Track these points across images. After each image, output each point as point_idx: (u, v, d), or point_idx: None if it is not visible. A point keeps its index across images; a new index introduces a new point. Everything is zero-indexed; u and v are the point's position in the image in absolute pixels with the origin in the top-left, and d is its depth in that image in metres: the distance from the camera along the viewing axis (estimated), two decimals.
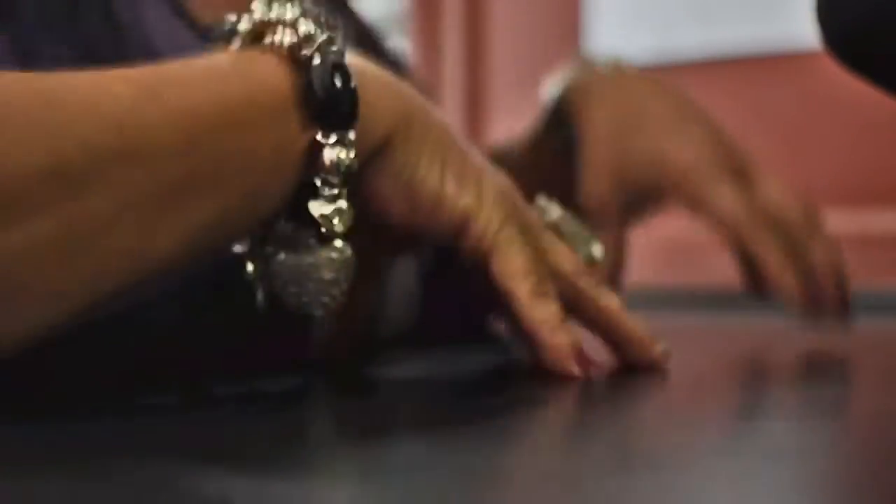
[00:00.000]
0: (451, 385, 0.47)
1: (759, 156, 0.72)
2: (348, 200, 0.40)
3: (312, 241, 0.41)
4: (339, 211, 0.40)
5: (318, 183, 0.40)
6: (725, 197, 0.67)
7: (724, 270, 0.74)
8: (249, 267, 0.42)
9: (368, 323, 0.52)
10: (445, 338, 0.62)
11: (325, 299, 0.41)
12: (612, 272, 0.69)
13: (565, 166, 0.73)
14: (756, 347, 0.70)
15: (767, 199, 0.68)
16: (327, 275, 0.41)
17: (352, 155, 0.40)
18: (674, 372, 0.48)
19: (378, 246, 0.47)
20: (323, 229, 0.40)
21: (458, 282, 0.49)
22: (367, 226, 0.43)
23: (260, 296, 0.42)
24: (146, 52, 0.47)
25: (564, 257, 0.47)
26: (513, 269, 0.44)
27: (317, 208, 0.40)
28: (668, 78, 0.75)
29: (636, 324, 0.48)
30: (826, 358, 0.61)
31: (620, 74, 0.74)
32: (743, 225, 0.67)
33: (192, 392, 0.43)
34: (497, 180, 0.46)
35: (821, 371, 0.55)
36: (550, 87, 0.74)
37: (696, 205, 0.69)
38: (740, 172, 0.69)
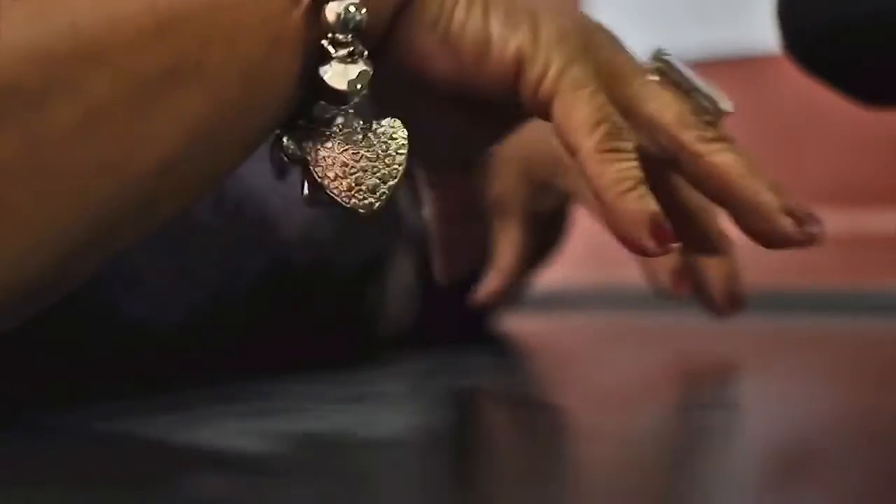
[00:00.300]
0: (450, 385, 0.47)
1: (758, 156, 0.72)
2: (368, 61, 0.35)
3: (357, 120, 0.36)
4: (357, 73, 0.35)
5: (328, 45, 0.35)
6: None
7: None
8: (286, 146, 0.36)
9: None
10: (445, 338, 0.62)
11: (373, 183, 0.36)
12: (513, 269, 0.64)
13: None
14: (753, 347, 0.70)
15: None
16: (370, 154, 0.36)
17: (362, 9, 0.35)
18: (660, 373, 0.48)
19: (449, 124, 0.41)
20: (342, 93, 0.35)
21: (458, 282, 0.49)
22: (433, 113, 0.39)
23: (306, 189, 0.37)
24: None
25: (663, 104, 0.39)
26: (577, 119, 0.37)
27: (326, 72, 0.35)
28: None
29: (760, 186, 0.38)
30: (825, 358, 0.61)
31: None
32: None
33: (191, 392, 0.44)
34: (562, 18, 0.39)
35: (820, 371, 0.55)
36: None
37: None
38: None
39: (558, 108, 0.37)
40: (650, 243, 0.35)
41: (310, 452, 0.33)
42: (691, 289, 0.59)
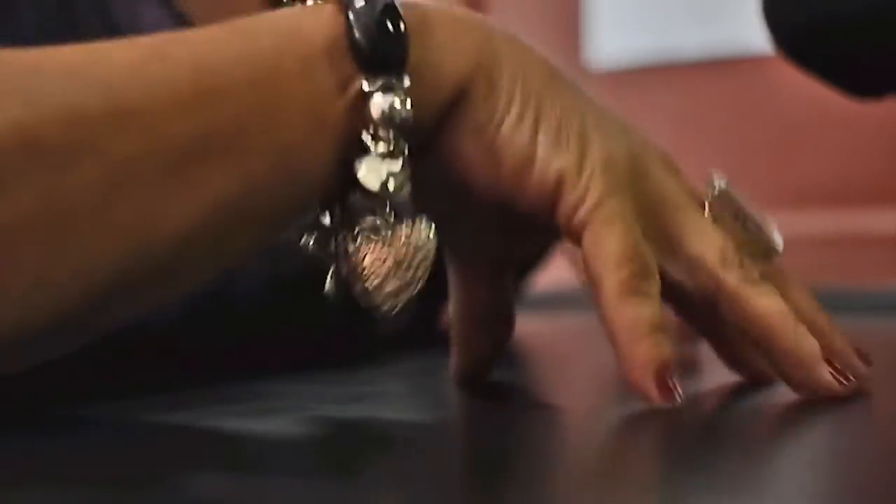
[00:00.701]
0: (449, 385, 0.47)
1: (759, 156, 0.72)
2: (408, 160, 0.34)
3: (390, 217, 0.35)
4: (391, 172, 0.34)
5: (367, 139, 0.34)
6: None
7: None
8: (305, 239, 0.36)
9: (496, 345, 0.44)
10: (446, 338, 0.62)
11: (392, 289, 0.35)
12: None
13: None
14: None
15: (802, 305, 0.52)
16: (396, 255, 0.35)
17: (408, 104, 0.34)
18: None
19: (479, 233, 0.41)
20: (373, 193, 0.34)
21: None
22: (471, 213, 0.38)
23: (329, 284, 0.36)
24: None
25: (708, 241, 0.37)
26: (604, 253, 0.36)
27: (361, 168, 0.34)
28: (667, 78, 0.75)
29: (800, 334, 0.37)
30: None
31: None
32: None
33: (191, 392, 0.43)
34: (616, 139, 0.37)
35: None
36: None
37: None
38: None
39: (588, 238, 0.36)
40: (654, 393, 0.35)
41: (310, 452, 0.33)
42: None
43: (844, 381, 0.37)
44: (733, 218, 0.39)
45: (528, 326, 0.77)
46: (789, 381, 0.38)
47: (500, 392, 0.47)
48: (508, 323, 0.44)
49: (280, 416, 0.38)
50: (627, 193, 0.37)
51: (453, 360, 0.44)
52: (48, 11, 0.44)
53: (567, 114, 0.37)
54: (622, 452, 0.32)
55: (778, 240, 0.40)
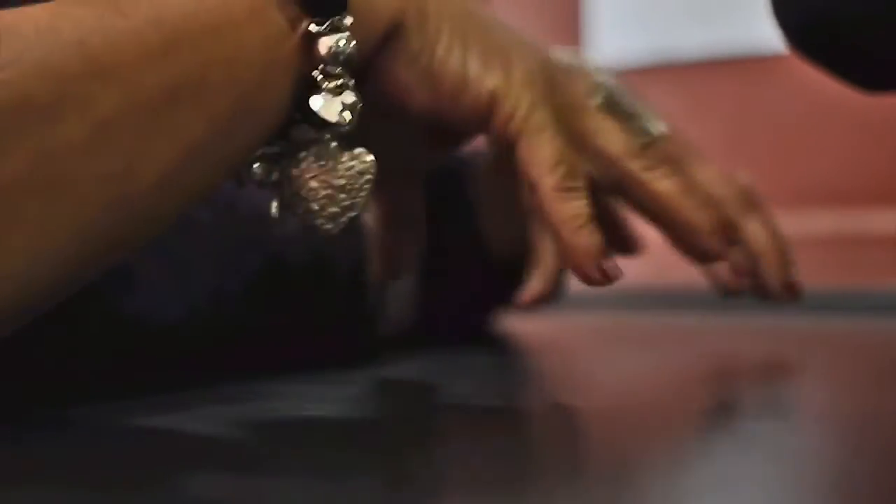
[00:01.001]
0: (450, 385, 0.47)
1: (759, 156, 0.72)
2: (356, 92, 0.37)
3: (331, 145, 0.38)
4: (344, 104, 0.37)
5: (318, 76, 0.37)
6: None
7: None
8: (257, 167, 0.38)
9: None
10: (445, 338, 0.62)
11: (336, 210, 0.38)
12: (556, 270, 0.64)
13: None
14: (753, 347, 0.70)
15: (699, 179, 0.63)
16: (339, 181, 0.38)
17: (352, 42, 0.37)
18: (661, 373, 0.48)
19: (412, 150, 0.45)
20: (329, 123, 0.37)
21: (458, 282, 0.49)
22: (394, 129, 0.42)
23: (274, 205, 0.39)
24: None
25: (612, 137, 0.45)
26: (539, 159, 0.41)
27: (317, 102, 0.37)
28: (668, 78, 0.75)
29: (693, 206, 0.44)
30: (825, 358, 0.61)
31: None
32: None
33: (191, 392, 0.43)
34: (529, 58, 0.42)
35: (819, 371, 0.55)
36: None
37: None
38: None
39: (522, 148, 0.41)
40: (597, 274, 0.40)
41: (309, 452, 0.33)
42: (749, 281, 0.61)
43: (728, 250, 0.44)
44: (621, 113, 0.46)
45: (528, 326, 0.77)
46: (686, 251, 0.44)
47: (501, 392, 0.47)
48: (421, 229, 0.49)
49: (280, 416, 0.38)
50: (548, 103, 0.41)
51: (374, 263, 0.49)
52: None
53: (488, 38, 0.41)
54: (622, 451, 0.32)
55: (660, 125, 0.47)
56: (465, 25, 0.41)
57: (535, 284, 0.63)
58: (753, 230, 0.59)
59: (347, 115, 0.37)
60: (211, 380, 0.45)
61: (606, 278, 0.40)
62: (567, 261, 0.41)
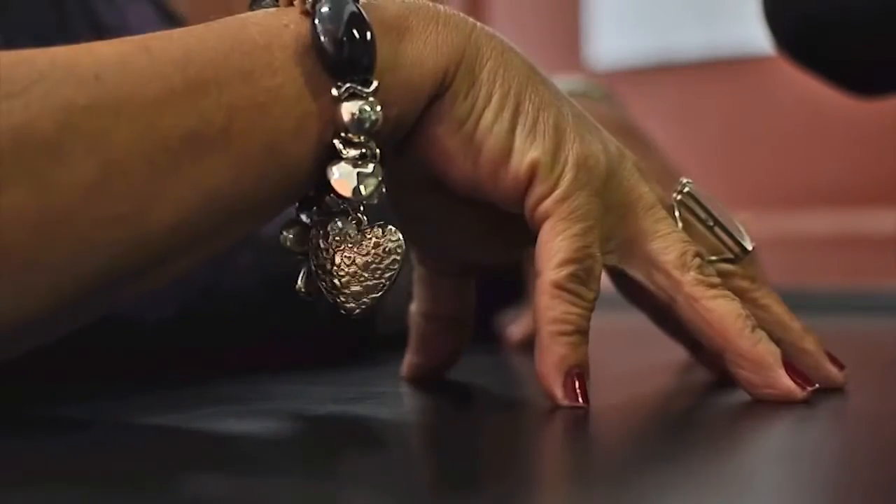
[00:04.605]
0: (449, 384, 0.47)
1: (759, 156, 0.72)
2: (378, 164, 0.35)
3: (360, 218, 0.36)
4: (363, 175, 0.34)
5: (338, 143, 0.34)
6: None
7: None
8: (288, 234, 0.37)
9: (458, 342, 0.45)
10: None
11: (359, 289, 0.36)
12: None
13: None
14: None
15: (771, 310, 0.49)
16: (364, 258, 0.36)
17: (377, 108, 0.34)
18: (660, 373, 0.48)
19: (453, 232, 0.41)
20: (347, 198, 0.35)
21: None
22: (450, 214, 0.39)
23: (301, 279, 0.37)
24: None
25: (668, 243, 0.38)
26: (553, 249, 0.37)
27: (334, 173, 0.34)
28: (667, 78, 0.75)
29: (756, 338, 0.37)
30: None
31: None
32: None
33: (191, 392, 0.43)
34: (594, 141, 0.38)
35: None
36: None
37: None
38: None
39: (545, 229, 0.37)
40: (559, 392, 0.36)
41: (309, 452, 0.33)
42: None
43: (806, 386, 0.37)
44: (699, 221, 0.40)
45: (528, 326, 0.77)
46: (746, 385, 0.38)
47: (500, 392, 0.47)
48: (466, 330, 0.44)
49: (279, 416, 0.38)
50: (596, 192, 0.37)
51: (408, 358, 0.45)
52: (37, 13, 0.44)
53: (545, 108, 0.37)
54: (621, 450, 0.32)
55: (746, 241, 0.40)
56: (520, 94, 0.37)
57: (526, 321, 0.61)
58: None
59: (364, 189, 0.34)
60: (209, 380, 0.45)
61: (570, 399, 0.36)
62: (537, 364, 0.37)
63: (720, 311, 0.37)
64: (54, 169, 0.30)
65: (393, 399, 0.45)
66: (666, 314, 0.40)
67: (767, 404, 0.37)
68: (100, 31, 0.44)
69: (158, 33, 0.33)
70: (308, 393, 0.45)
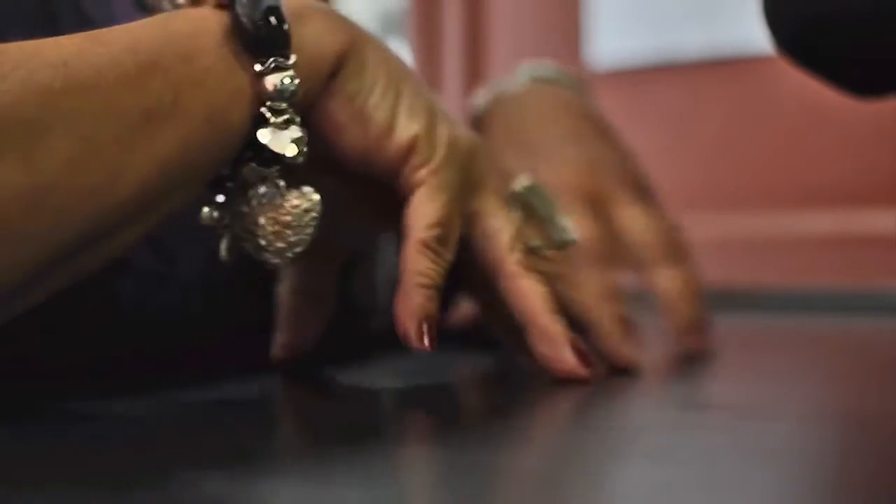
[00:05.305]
0: (446, 383, 0.47)
1: (759, 156, 0.72)
2: (302, 127, 0.40)
3: (279, 183, 0.40)
4: (289, 135, 0.40)
5: (266, 112, 0.39)
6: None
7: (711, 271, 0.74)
8: (206, 210, 0.41)
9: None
10: (440, 333, 0.62)
11: (283, 245, 0.41)
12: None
13: None
14: (753, 347, 0.70)
15: (622, 226, 0.61)
16: (286, 217, 0.40)
17: (296, 80, 0.39)
18: (657, 373, 0.48)
19: (341, 191, 0.46)
20: (279, 157, 0.39)
21: (453, 276, 0.49)
22: (326, 169, 0.43)
23: (223, 245, 0.42)
24: None
25: (504, 224, 0.45)
26: (423, 213, 0.43)
27: (265, 135, 0.39)
28: (668, 78, 0.75)
29: (553, 317, 0.44)
30: (824, 358, 0.61)
31: (528, 90, 0.68)
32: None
33: (191, 392, 0.44)
34: (457, 127, 0.45)
35: (820, 371, 0.55)
36: (477, 100, 0.70)
37: None
38: (608, 197, 0.62)
39: (417, 195, 0.42)
40: (413, 338, 0.41)
41: (308, 451, 0.33)
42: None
43: (586, 365, 0.43)
44: (532, 214, 0.46)
45: None
46: (541, 358, 0.44)
47: (499, 391, 0.47)
48: (328, 310, 0.49)
49: (279, 416, 0.38)
50: (460, 169, 0.43)
51: (277, 337, 0.48)
52: (24, 8, 0.45)
53: (419, 96, 0.43)
54: (621, 450, 0.32)
55: (569, 235, 0.47)
56: (400, 82, 0.43)
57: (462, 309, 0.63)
58: (665, 280, 0.60)
59: (296, 149, 0.39)
60: (209, 379, 0.45)
61: (420, 343, 0.41)
62: (397, 310, 0.41)
63: (529, 290, 0.44)
64: (37, 145, 0.34)
65: (390, 397, 0.45)
66: (487, 295, 0.46)
67: (771, 404, 0.37)
68: (87, 26, 0.45)
69: (107, 28, 0.37)
70: (307, 392, 0.45)
